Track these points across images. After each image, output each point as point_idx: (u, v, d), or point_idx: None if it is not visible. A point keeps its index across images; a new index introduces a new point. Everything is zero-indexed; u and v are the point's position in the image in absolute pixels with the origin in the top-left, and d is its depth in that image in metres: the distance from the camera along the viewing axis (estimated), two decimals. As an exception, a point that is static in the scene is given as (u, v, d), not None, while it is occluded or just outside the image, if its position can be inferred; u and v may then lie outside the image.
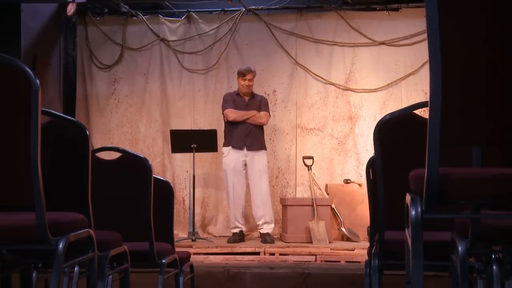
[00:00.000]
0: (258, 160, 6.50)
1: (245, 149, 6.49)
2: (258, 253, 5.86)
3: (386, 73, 7.28)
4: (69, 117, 2.37)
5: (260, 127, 6.59)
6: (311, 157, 7.00)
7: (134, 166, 3.06)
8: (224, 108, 6.62)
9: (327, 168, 7.26)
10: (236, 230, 6.51)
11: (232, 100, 6.63)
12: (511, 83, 1.54)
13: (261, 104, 6.62)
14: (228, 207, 6.78)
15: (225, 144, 6.60)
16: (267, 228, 6.46)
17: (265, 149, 6.64)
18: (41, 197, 1.80)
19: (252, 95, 6.66)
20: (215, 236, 7.17)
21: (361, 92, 7.32)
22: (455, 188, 1.58)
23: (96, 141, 7.36)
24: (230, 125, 6.56)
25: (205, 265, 5.17)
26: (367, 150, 7.04)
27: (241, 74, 6.59)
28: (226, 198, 7.17)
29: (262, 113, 6.56)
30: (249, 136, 6.49)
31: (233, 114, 6.53)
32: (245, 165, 6.54)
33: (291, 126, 7.37)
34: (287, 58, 7.43)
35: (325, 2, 7.35)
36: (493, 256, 2.03)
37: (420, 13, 6.98)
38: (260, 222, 6.51)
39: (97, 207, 2.31)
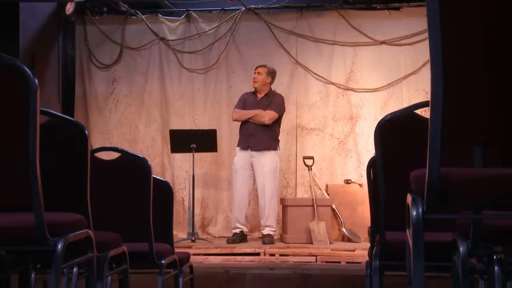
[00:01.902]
0: (264, 162, 6.36)
1: (249, 150, 6.40)
2: (258, 254, 5.84)
3: (387, 72, 7.27)
4: (67, 117, 2.35)
5: (268, 127, 6.38)
6: (312, 157, 6.98)
7: (133, 166, 3.04)
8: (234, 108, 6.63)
9: (328, 168, 7.25)
10: (237, 231, 6.47)
11: (243, 100, 6.57)
12: (514, 83, 1.52)
13: (271, 102, 6.46)
14: (231, 206, 6.76)
15: (237, 144, 6.56)
16: (268, 230, 6.39)
17: (274, 149, 6.43)
18: (40, 198, 1.79)
19: (267, 94, 6.54)
20: (215, 237, 7.15)
21: (361, 91, 7.30)
22: (456, 188, 1.57)
23: (95, 141, 7.35)
24: (240, 125, 6.52)
25: (204, 266, 5.15)
26: (368, 150, 7.03)
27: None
28: (226, 199, 7.18)
29: (265, 112, 6.40)
30: (252, 136, 6.38)
31: (235, 114, 6.51)
32: (252, 165, 6.44)
33: (292, 126, 7.35)
34: (287, 58, 7.42)
35: (325, 1, 7.34)
36: (494, 257, 2.02)
37: (421, 12, 6.96)
38: (262, 224, 6.47)
39: (96, 207, 2.29)
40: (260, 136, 6.38)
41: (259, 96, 6.55)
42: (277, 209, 6.56)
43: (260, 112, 6.40)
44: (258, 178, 6.42)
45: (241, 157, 6.44)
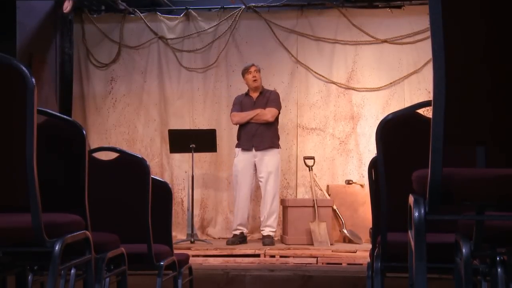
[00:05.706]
0: (268, 160, 6.36)
1: (253, 149, 6.38)
2: (258, 255, 5.80)
3: (388, 71, 7.25)
4: (65, 116, 2.34)
5: (270, 125, 6.39)
6: (312, 157, 6.96)
7: (131, 166, 3.02)
8: (230, 112, 6.59)
9: (329, 168, 7.22)
10: (237, 232, 6.43)
11: (239, 102, 6.55)
12: (517, 82, 1.51)
13: (269, 100, 6.46)
14: (231, 207, 6.74)
15: (237, 145, 6.53)
16: (268, 231, 6.37)
17: (277, 148, 6.46)
18: (37, 198, 1.78)
19: (262, 92, 6.54)
20: (214, 238, 7.12)
21: (363, 91, 7.28)
22: (459, 189, 1.55)
23: (93, 141, 7.33)
24: (240, 126, 6.50)
25: (204, 268, 5.13)
26: (369, 150, 6.99)
27: (245, 69, 6.55)
28: (225, 200, 7.17)
29: (266, 109, 6.39)
30: (256, 136, 6.36)
31: (236, 117, 6.48)
32: (255, 166, 6.42)
33: (292, 125, 7.33)
34: (288, 57, 7.40)
35: (326, -1, 7.33)
36: (497, 258, 2.00)
37: (423, 11, 6.95)
38: (262, 223, 6.44)
39: (94, 208, 2.28)
40: (264, 134, 6.38)
41: (254, 95, 6.53)
42: (278, 209, 6.54)
43: (261, 111, 6.39)
44: (262, 178, 6.39)
45: (243, 158, 6.41)
